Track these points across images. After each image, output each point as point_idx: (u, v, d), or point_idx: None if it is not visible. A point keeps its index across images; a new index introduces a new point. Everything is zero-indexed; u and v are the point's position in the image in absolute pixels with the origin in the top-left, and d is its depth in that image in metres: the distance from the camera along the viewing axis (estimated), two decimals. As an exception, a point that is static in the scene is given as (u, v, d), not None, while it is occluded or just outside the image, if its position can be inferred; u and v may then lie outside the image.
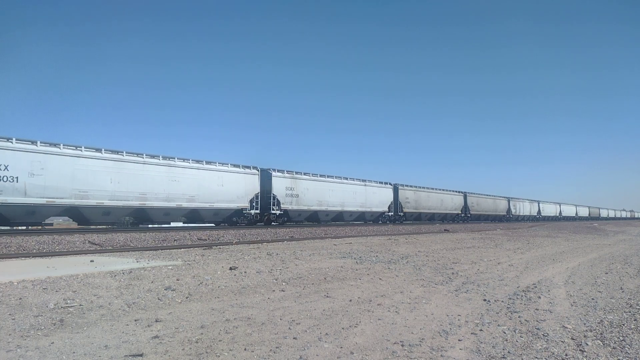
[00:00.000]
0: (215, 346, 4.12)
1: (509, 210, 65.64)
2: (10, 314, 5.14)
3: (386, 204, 40.60)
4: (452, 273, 9.07)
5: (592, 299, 6.77)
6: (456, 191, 52.93)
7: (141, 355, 3.85)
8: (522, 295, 6.86)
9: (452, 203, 51.37)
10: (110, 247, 13.92)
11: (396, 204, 41.80)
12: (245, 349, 4.05)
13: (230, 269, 8.85)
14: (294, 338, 4.42)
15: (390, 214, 41.02)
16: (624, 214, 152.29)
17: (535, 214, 75.13)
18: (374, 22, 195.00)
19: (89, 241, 15.10)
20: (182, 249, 13.35)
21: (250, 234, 21.15)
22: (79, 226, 22.38)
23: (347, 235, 22.62)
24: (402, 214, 42.46)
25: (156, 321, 4.94)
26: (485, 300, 6.46)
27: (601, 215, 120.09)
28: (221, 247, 14.32)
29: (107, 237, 16.33)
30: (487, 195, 60.60)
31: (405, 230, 28.38)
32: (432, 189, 48.07)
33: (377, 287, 7.35)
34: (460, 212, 52.94)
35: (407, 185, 43.86)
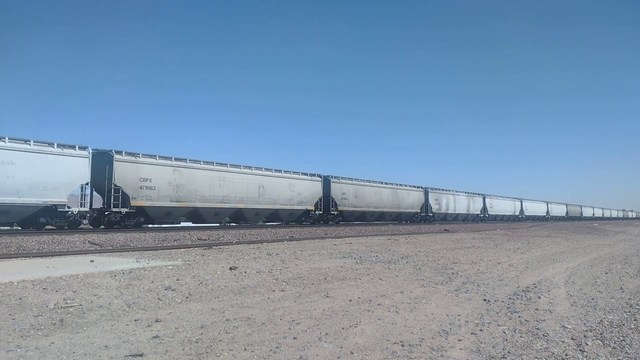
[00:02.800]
0: (215, 346, 4.12)
1: (427, 207, 47.20)
2: (10, 314, 5.14)
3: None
4: (452, 273, 9.07)
5: (592, 299, 6.77)
6: (311, 175, 34.43)
7: (141, 355, 3.85)
8: (522, 295, 6.86)
9: (291, 193, 31.86)
10: (110, 247, 13.92)
11: (113, 195, 22.24)
12: (245, 349, 4.05)
13: (230, 269, 8.85)
14: (294, 338, 4.42)
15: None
16: (614, 213, 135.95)
17: (479, 212, 59.16)
18: (373, 24, 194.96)
19: (89, 241, 15.10)
20: (182, 249, 13.35)
21: (250, 234, 21.16)
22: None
23: (347, 235, 22.63)
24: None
25: (156, 321, 4.94)
26: (485, 300, 6.46)
27: (584, 215, 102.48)
28: (221, 247, 14.33)
29: (107, 237, 16.34)
30: (382, 183, 41.72)
31: (405, 230, 28.41)
32: (252, 168, 29.10)
33: (377, 287, 7.35)
34: (314, 209, 34.22)
35: (184, 162, 25.41)
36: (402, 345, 4.25)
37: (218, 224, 28.33)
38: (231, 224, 29.25)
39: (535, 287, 7.70)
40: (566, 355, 4.09)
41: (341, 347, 4.16)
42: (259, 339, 4.38)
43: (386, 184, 42.50)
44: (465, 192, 56.88)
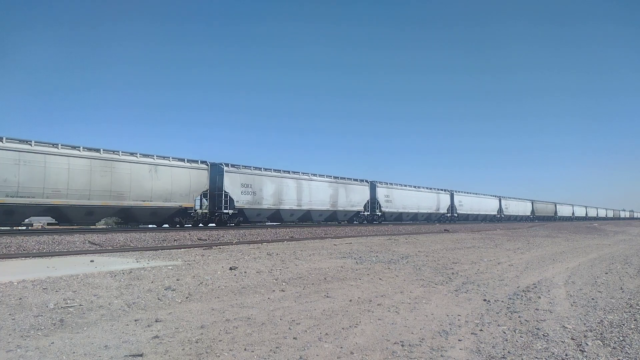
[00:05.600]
0: (215, 346, 4.12)
1: (222, 198, 26.53)
2: (10, 314, 5.14)
3: None
4: (452, 273, 9.07)
5: (592, 299, 6.78)
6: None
7: (141, 355, 3.85)
8: (522, 295, 6.86)
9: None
10: (110, 247, 13.92)
11: None
12: (245, 349, 4.05)
13: (230, 269, 8.85)
14: (294, 338, 4.42)
15: None
16: (603, 213, 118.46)
17: (362, 209, 38.42)
18: (372, 24, 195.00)
19: (89, 241, 15.10)
20: (182, 249, 13.35)
21: (250, 234, 21.16)
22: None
23: (347, 235, 22.62)
24: None
25: (156, 321, 4.94)
26: (485, 300, 6.46)
27: (559, 214, 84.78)
28: (221, 247, 14.33)
29: (107, 237, 16.33)
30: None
31: (405, 230, 28.39)
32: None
33: (377, 287, 7.35)
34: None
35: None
36: (402, 346, 4.25)
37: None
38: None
39: (536, 287, 7.70)
40: (566, 355, 4.09)
41: (341, 347, 4.16)
42: (259, 339, 4.38)
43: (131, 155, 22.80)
44: (332, 178, 35.41)
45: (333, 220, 36.63)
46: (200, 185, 25.95)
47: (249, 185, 28.40)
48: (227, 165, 27.36)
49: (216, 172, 26.99)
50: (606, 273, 9.78)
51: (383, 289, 7.13)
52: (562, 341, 4.52)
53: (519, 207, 69.23)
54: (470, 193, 57.24)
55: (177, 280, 7.52)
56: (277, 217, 31.16)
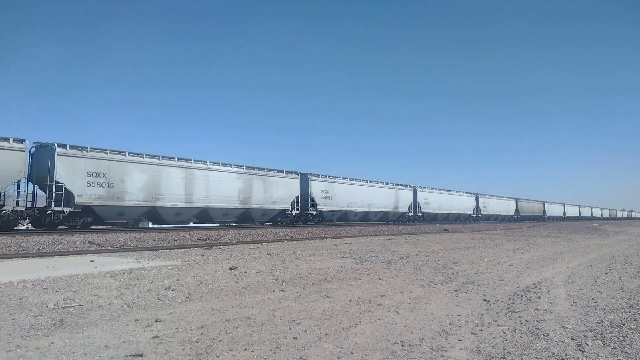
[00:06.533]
0: (215, 346, 4.12)
1: (54, 194, 19.62)
2: (10, 314, 5.14)
3: None
4: (452, 273, 9.07)
5: (592, 299, 6.78)
6: None
7: (141, 355, 3.85)
8: (522, 295, 6.86)
9: None
10: (110, 247, 13.92)
11: None
12: (245, 349, 4.05)
13: (230, 269, 8.85)
14: (294, 338, 4.42)
15: None
16: (598, 212, 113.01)
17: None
18: (373, 24, 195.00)
19: (89, 241, 15.10)
20: (182, 249, 13.34)
21: (250, 234, 21.16)
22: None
23: (347, 235, 22.62)
24: None
25: (156, 321, 4.94)
26: (485, 300, 6.46)
27: (548, 213, 77.81)
28: (221, 247, 14.32)
29: (107, 237, 16.33)
30: None
31: (405, 230, 28.39)
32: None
33: (377, 287, 7.35)
34: None
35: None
36: (402, 346, 4.25)
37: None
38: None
39: (536, 287, 7.70)
40: (566, 355, 4.09)
41: (341, 347, 4.16)
42: (259, 339, 4.38)
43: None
44: (243, 168, 28.06)
45: (246, 220, 28.93)
46: (12, 172, 18.34)
47: (102, 175, 21.06)
48: (62, 146, 20.00)
49: (46, 155, 19.82)
50: (606, 273, 9.78)
51: (383, 289, 7.13)
52: (562, 341, 4.52)
53: (500, 206, 62.31)
54: (439, 189, 49.80)
55: (177, 280, 7.52)
56: (155, 217, 24.04)
